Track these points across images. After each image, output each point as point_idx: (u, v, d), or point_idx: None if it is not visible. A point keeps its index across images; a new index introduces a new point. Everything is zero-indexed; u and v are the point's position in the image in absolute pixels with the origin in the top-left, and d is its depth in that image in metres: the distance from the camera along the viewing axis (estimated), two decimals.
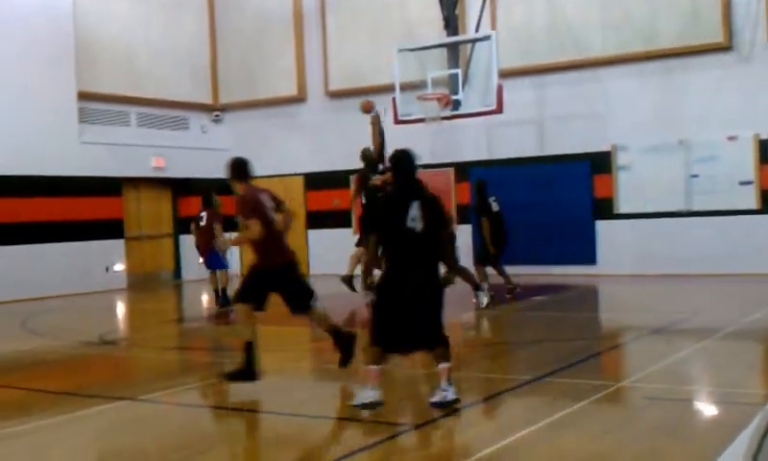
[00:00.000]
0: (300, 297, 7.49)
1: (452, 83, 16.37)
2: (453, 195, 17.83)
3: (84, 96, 17.76)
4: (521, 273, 15.72)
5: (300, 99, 20.03)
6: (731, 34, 15.44)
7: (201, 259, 14.08)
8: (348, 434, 6.04)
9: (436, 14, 17.24)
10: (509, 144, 17.50)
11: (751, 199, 15.33)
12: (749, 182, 15.35)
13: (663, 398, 6.49)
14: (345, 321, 10.64)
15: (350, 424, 6.25)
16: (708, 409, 6.53)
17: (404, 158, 6.53)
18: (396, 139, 17.26)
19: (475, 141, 17.81)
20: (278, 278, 7.34)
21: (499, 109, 15.64)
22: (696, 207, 15.79)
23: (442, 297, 6.40)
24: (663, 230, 16.01)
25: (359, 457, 5.25)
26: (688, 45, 15.71)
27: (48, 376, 8.74)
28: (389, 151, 12.98)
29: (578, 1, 16.80)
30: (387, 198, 6.90)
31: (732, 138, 15.45)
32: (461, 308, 12.57)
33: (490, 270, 13.23)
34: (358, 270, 14.04)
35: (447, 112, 16.25)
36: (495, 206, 13.24)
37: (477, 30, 16.86)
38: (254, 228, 7.15)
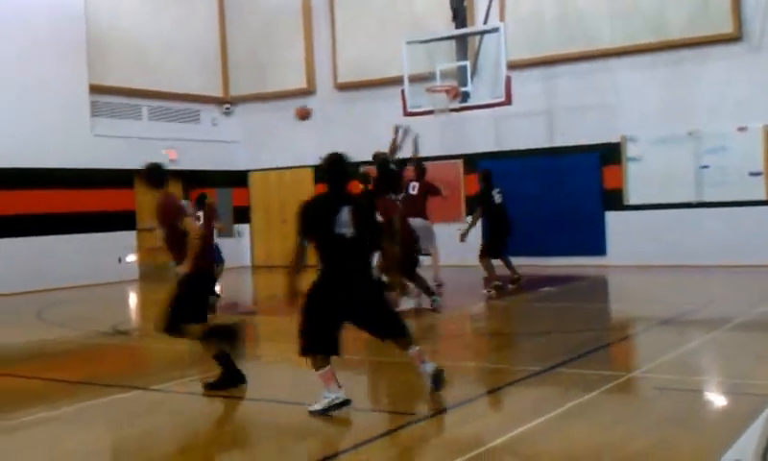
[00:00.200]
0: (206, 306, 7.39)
1: (461, 74, 16.38)
2: (462, 187, 17.86)
3: (96, 89, 17.91)
4: (531, 264, 15.79)
5: (309, 91, 20.07)
6: (740, 23, 15.40)
7: None
8: (359, 424, 6.09)
9: (444, 6, 17.23)
10: (518, 136, 17.52)
11: (761, 190, 15.30)
12: (759, 173, 15.32)
13: (673, 388, 6.52)
14: None
15: (361, 415, 6.31)
16: (717, 400, 6.57)
17: (336, 162, 6.25)
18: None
19: (484, 133, 17.82)
20: (210, 282, 7.22)
21: (508, 101, 15.65)
22: (706, 199, 15.79)
23: (383, 294, 6.36)
24: (673, 221, 16.01)
25: (371, 447, 5.31)
26: (698, 36, 15.68)
27: (64, 365, 8.86)
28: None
29: None
30: (315, 202, 6.40)
31: (741, 129, 15.42)
32: (470, 300, 12.64)
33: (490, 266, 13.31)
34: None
35: (456, 104, 16.27)
36: (498, 198, 13.27)
37: (486, 21, 16.87)
38: (194, 226, 7.01)
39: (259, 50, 20.46)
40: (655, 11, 16.12)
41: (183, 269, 6.94)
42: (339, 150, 6.36)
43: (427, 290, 11.29)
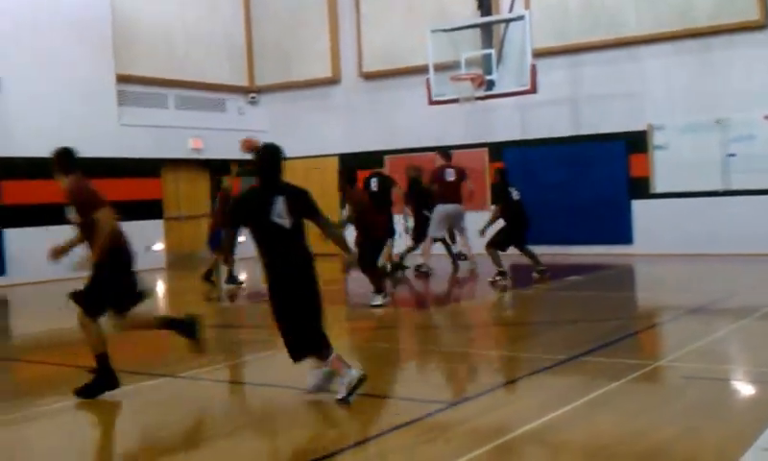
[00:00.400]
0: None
1: (486, 63, 16.35)
2: (487, 175, 17.82)
3: (122, 79, 18.05)
4: (557, 252, 15.77)
5: (334, 80, 20.12)
6: (767, 11, 15.23)
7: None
8: (386, 412, 6.14)
9: None
10: (543, 124, 17.46)
11: None
12: None
13: (701, 377, 6.50)
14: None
15: (387, 402, 6.36)
16: (745, 389, 6.55)
17: (269, 153, 6.26)
18: (432, 119, 17.48)
19: (509, 121, 17.78)
20: (125, 270, 6.99)
21: (533, 89, 15.60)
22: (733, 187, 15.66)
23: (317, 292, 6.19)
24: (700, 209, 15.89)
25: (397, 435, 5.34)
26: (724, 23, 15.53)
27: (90, 353, 8.92)
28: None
29: None
30: (249, 194, 6.44)
31: None
32: (494, 289, 12.64)
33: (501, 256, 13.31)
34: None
35: (481, 93, 16.25)
36: (516, 195, 13.23)
37: (511, 10, 16.80)
38: (109, 216, 6.78)
39: (285, 39, 20.51)
40: None
41: (92, 258, 6.81)
42: (273, 142, 6.40)
43: (382, 283, 11.10)
